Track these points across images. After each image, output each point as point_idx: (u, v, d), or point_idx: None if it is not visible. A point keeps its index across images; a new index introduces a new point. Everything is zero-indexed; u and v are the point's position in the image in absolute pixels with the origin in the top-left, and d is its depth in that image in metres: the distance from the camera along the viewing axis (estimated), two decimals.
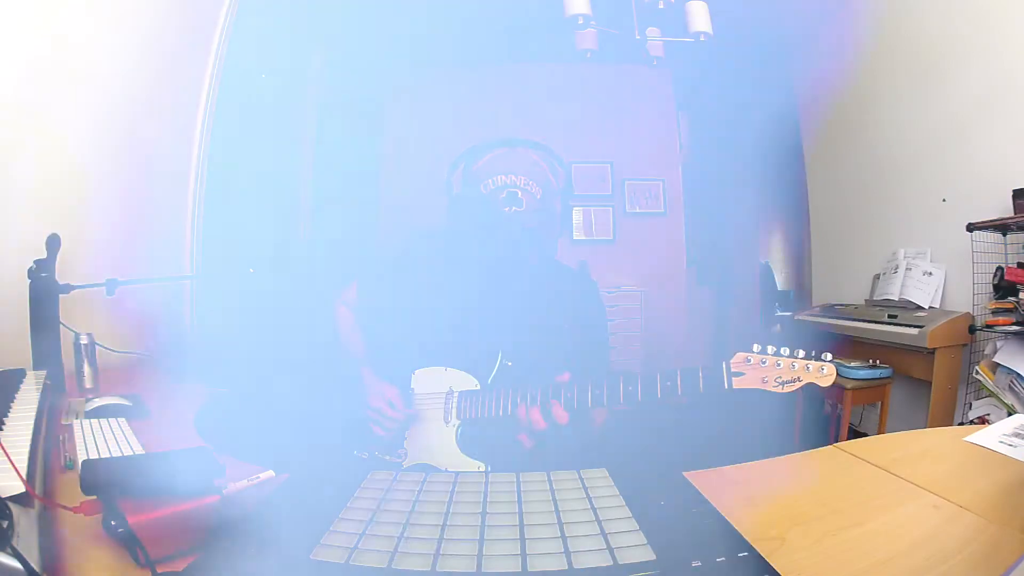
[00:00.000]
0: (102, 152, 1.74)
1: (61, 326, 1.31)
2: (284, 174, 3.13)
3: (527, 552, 0.53)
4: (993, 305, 2.19)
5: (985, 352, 2.31)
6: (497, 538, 0.56)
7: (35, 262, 1.28)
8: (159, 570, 0.48)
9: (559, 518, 0.60)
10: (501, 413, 1.04)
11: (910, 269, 2.72)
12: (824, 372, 0.83)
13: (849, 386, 2.56)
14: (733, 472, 0.76)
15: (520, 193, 1.03)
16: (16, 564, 0.41)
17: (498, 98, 4.08)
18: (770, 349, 0.85)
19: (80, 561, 0.51)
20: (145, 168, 1.94)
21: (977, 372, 2.20)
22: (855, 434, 2.87)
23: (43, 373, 1.17)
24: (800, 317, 3.35)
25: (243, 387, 1.58)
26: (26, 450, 0.65)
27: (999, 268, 2.24)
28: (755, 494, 0.69)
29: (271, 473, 0.67)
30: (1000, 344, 2.18)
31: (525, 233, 1.04)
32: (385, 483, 0.70)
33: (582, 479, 0.71)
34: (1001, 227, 2.23)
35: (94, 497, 0.54)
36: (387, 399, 1.12)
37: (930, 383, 2.44)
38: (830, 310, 3.19)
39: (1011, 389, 2.06)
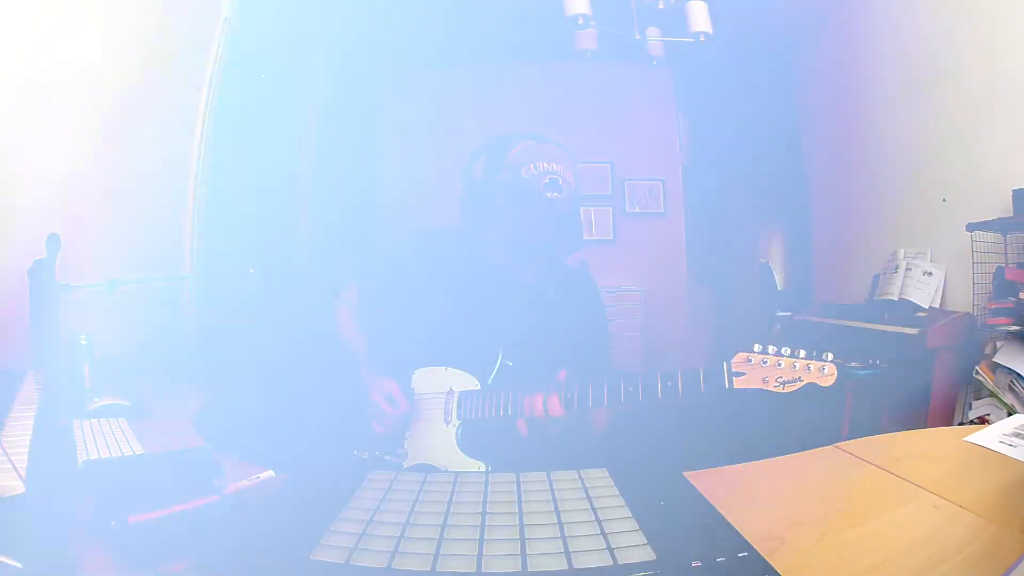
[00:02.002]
0: (102, 152, 1.74)
1: (61, 326, 1.31)
2: (285, 173, 3.13)
3: (527, 552, 0.53)
4: (993, 305, 2.19)
5: (985, 352, 2.31)
6: (497, 538, 0.56)
7: (35, 262, 1.28)
8: (159, 570, 0.48)
9: (559, 518, 0.60)
10: (501, 413, 1.04)
11: (910, 269, 2.72)
12: (825, 372, 0.83)
13: (849, 386, 2.56)
14: (733, 472, 0.76)
15: (560, 180, 1.04)
16: (16, 564, 0.41)
17: (497, 97, 4.08)
18: (771, 349, 0.85)
19: (80, 561, 0.51)
20: (145, 168, 1.94)
21: (977, 372, 2.19)
22: (855, 434, 2.86)
23: (43, 373, 1.17)
24: (800, 317, 3.35)
25: (244, 387, 1.58)
26: (26, 450, 0.65)
27: (999, 268, 2.24)
28: (755, 494, 0.69)
29: (271, 473, 0.67)
30: (1000, 344, 2.18)
31: (564, 220, 1.05)
32: (385, 483, 0.70)
33: (582, 479, 0.71)
34: (1001, 227, 2.23)
35: (94, 497, 0.54)
36: (386, 394, 1.12)
37: (930, 383, 2.44)
38: (830, 310, 3.19)
39: (1011, 389, 2.06)
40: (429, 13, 3.13)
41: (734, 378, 0.85)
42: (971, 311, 2.40)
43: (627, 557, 0.51)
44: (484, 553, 0.53)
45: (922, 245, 2.79)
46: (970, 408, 2.26)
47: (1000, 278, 2.21)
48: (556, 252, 1.10)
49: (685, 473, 0.73)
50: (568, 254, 1.12)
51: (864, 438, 0.88)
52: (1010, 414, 1.83)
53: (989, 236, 2.29)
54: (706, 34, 2.20)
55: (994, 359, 2.15)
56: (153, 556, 0.49)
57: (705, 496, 0.65)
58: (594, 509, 0.62)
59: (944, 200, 2.65)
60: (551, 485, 0.69)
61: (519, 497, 0.66)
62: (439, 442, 1.10)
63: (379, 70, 4.09)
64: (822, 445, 0.86)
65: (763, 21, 3.47)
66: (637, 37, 2.35)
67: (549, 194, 1.03)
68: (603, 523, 0.58)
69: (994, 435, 0.82)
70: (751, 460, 0.80)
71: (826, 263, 3.79)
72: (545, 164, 1.05)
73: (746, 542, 0.53)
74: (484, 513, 0.61)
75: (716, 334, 5.08)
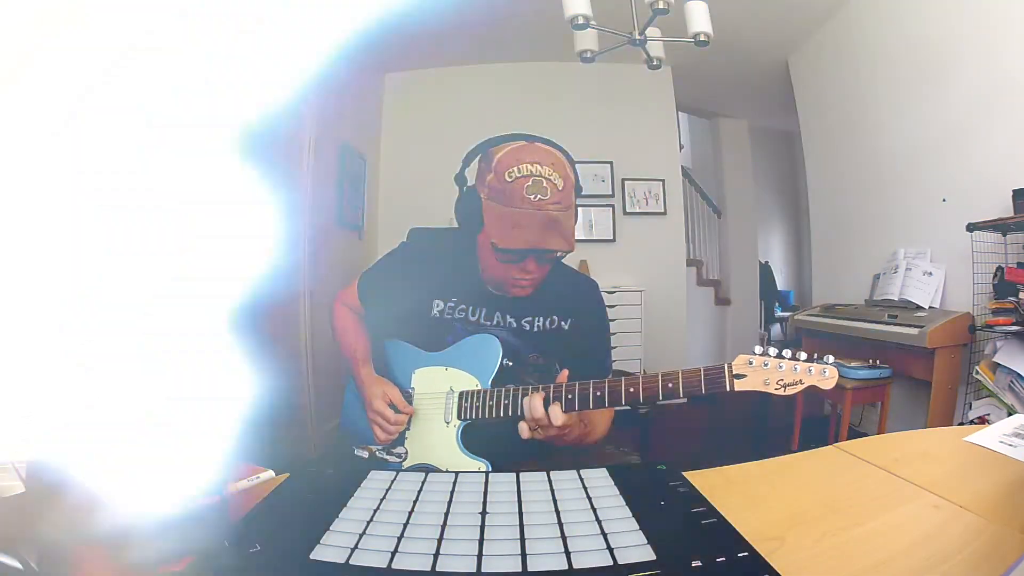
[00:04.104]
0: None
1: None
2: (282, 173, 3.13)
3: (527, 552, 0.53)
4: (993, 305, 2.19)
5: (985, 352, 2.31)
6: (497, 538, 0.56)
7: None
8: (159, 570, 0.48)
9: (559, 518, 0.60)
10: (501, 413, 1.04)
11: (910, 269, 2.72)
12: (826, 374, 0.83)
13: (849, 386, 2.57)
14: (733, 472, 0.76)
15: (545, 182, 1.03)
16: (16, 564, 0.41)
17: (497, 98, 4.09)
18: (772, 351, 0.85)
19: (80, 561, 0.51)
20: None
21: (977, 372, 2.20)
22: (855, 434, 2.87)
23: None
24: (800, 317, 3.35)
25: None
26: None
27: (999, 268, 2.24)
28: (755, 494, 0.69)
29: (271, 473, 0.67)
30: (1000, 344, 2.18)
31: (547, 223, 1.03)
32: (385, 483, 0.70)
33: (582, 479, 0.71)
34: (1001, 227, 2.23)
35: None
36: (388, 401, 1.12)
37: (930, 383, 2.44)
38: (830, 310, 3.19)
39: (1011, 389, 2.06)
40: (428, 13, 3.13)
41: (735, 380, 0.86)
42: (971, 311, 2.40)
43: (627, 557, 0.51)
44: (484, 553, 0.53)
45: (922, 245, 2.80)
46: (970, 408, 2.26)
47: (1000, 278, 2.21)
48: (542, 254, 1.08)
49: (685, 473, 0.73)
50: (555, 257, 1.10)
51: (864, 438, 0.87)
52: (1010, 414, 1.83)
53: (989, 236, 2.30)
54: (706, 34, 2.20)
55: (994, 359, 2.16)
56: (153, 556, 0.49)
57: (705, 496, 0.64)
58: (594, 509, 0.62)
59: (944, 200, 2.65)
60: (551, 485, 0.69)
61: (519, 497, 0.66)
62: (439, 442, 1.10)
63: (378, 70, 4.09)
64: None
65: (765, 20, 3.48)
66: (637, 37, 2.35)
67: (532, 196, 1.02)
68: (603, 523, 0.58)
69: (994, 435, 0.82)
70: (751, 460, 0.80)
71: (826, 263, 3.80)
72: (529, 166, 1.03)
73: (746, 542, 0.53)
74: (484, 513, 0.61)
75: (716, 334, 5.09)
